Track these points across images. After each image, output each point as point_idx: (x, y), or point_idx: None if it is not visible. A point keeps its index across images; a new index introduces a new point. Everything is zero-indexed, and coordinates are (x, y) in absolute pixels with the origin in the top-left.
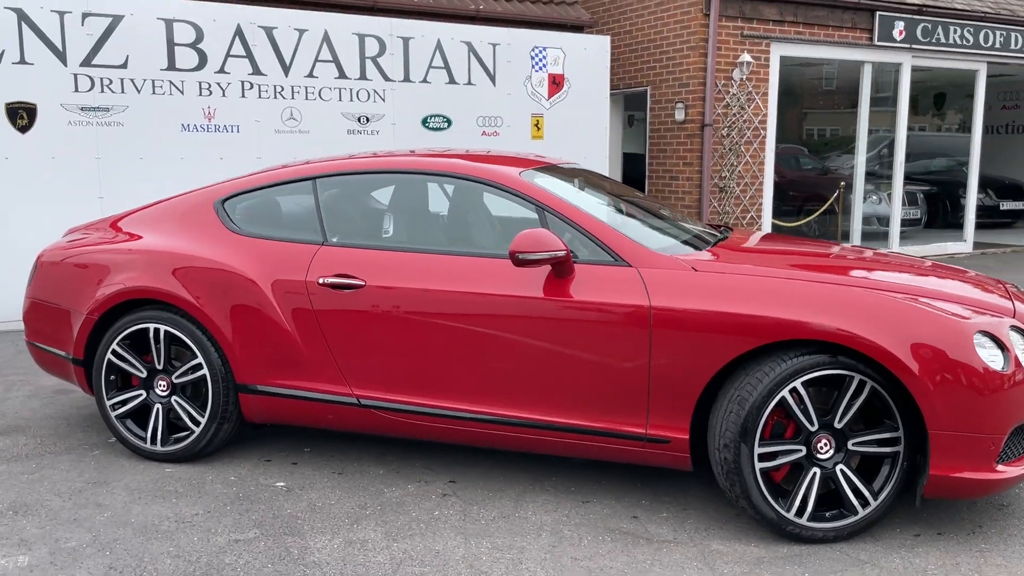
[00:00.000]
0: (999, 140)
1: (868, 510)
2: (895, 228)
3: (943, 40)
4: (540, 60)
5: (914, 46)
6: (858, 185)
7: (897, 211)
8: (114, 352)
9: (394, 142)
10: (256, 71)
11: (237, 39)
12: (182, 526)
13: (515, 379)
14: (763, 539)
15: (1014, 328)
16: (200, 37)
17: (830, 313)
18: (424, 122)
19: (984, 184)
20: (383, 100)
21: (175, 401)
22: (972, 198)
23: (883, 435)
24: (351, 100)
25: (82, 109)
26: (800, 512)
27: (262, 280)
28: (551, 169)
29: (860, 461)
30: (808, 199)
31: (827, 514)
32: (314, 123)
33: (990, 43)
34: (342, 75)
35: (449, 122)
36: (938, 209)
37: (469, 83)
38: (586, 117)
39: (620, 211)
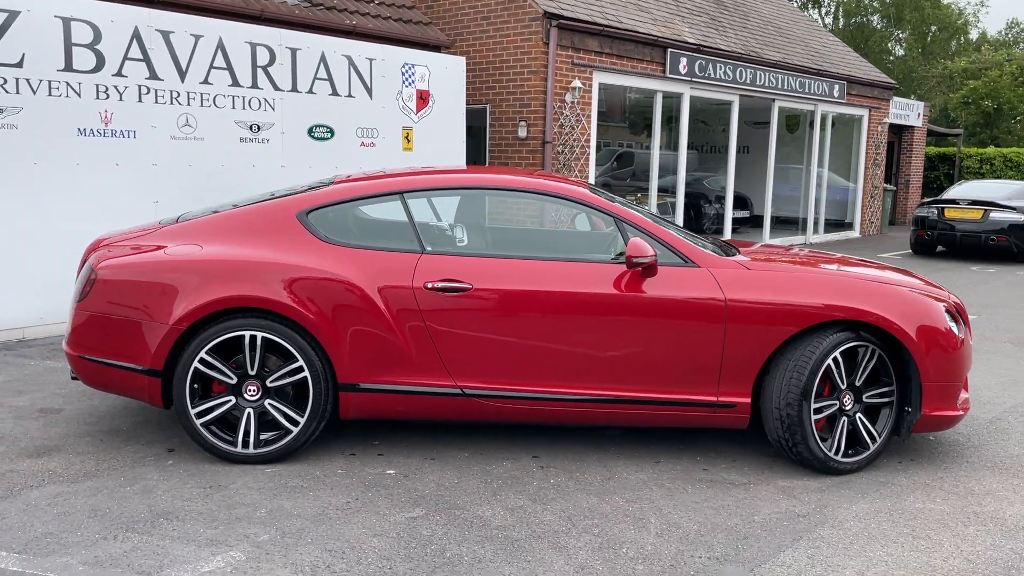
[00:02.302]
0: (717, 158)
1: (876, 446)
2: None
3: (712, 75)
4: (410, 76)
5: (693, 79)
6: (652, 195)
7: (680, 218)
8: (202, 360)
9: (283, 151)
10: (153, 75)
11: (135, 42)
12: (348, 512)
13: (607, 364)
14: (808, 475)
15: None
16: (98, 38)
17: (860, 300)
18: (310, 131)
19: (717, 196)
20: (273, 109)
21: (268, 404)
22: (729, 208)
23: (884, 389)
24: (244, 108)
25: None
26: (836, 452)
27: (368, 286)
28: (593, 188)
29: (864, 410)
30: None
31: (849, 451)
32: (209, 130)
33: (743, 79)
34: (235, 83)
35: (332, 132)
36: (688, 217)
37: (350, 95)
38: (448, 131)
39: (660, 221)
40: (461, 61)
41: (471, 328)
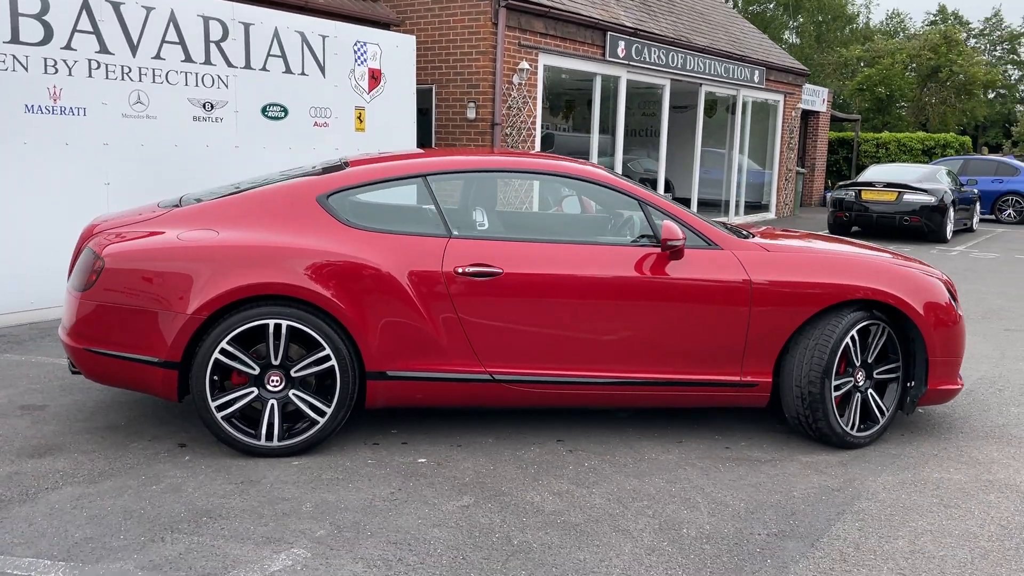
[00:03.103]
0: (640, 141)
1: (884, 420)
2: None
3: (647, 59)
4: (362, 55)
5: (630, 63)
6: None
7: None
8: (223, 351)
9: (237, 130)
10: (103, 49)
11: (84, 13)
12: (396, 503)
13: (635, 346)
14: (824, 450)
15: None
16: (46, 8)
17: (876, 279)
18: (264, 110)
19: (641, 179)
20: (226, 86)
21: (293, 395)
22: (661, 190)
23: (891, 365)
24: (196, 85)
25: None
26: (852, 427)
27: (397, 272)
28: (614, 172)
29: (873, 386)
30: None
31: (862, 426)
32: (161, 108)
33: (675, 64)
34: (188, 58)
35: (286, 112)
36: None
37: (303, 73)
38: (399, 111)
39: (680, 205)
40: (411, 40)
41: (501, 313)
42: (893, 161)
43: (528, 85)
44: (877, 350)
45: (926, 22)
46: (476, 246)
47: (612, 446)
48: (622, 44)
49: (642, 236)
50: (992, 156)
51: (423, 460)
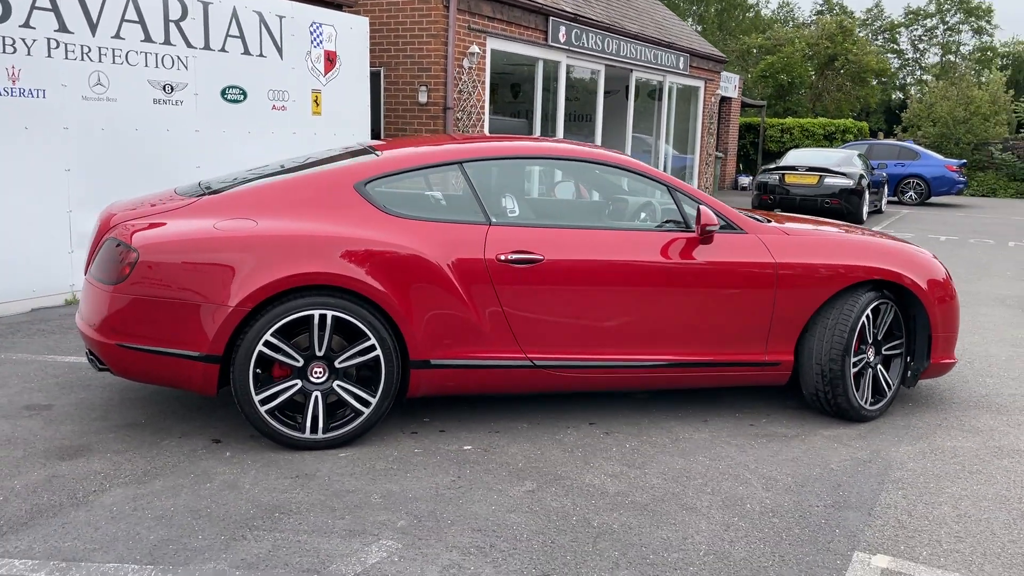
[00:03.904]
0: (576, 126)
1: (891, 393)
2: None
3: (585, 44)
4: (318, 36)
5: (570, 48)
6: None
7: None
8: (267, 343)
9: (197, 114)
10: (63, 28)
11: None
12: (461, 491)
13: (671, 329)
14: (841, 424)
15: None
16: None
17: (887, 260)
18: (223, 93)
19: None
20: (186, 68)
21: (337, 386)
22: None
23: (896, 342)
24: (157, 66)
25: None
26: (866, 402)
27: (441, 260)
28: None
29: (881, 362)
30: None
31: (872, 400)
32: (122, 90)
33: (610, 49)
34: (148, 38)
35: (245, 94)
36: None
37: (261, 55)
38: (354, 95)
39: (704, 191)
40: (365, 22)
41: (541, 299)
42: (797, 146)
43: (477, 69)
44: (885, 328)
45: (813, 12)
46: (516, 233)
47: (644, 427)
48: (563, 29)
49: (667, 221)
50: (894, 141)
51: (468, 447)
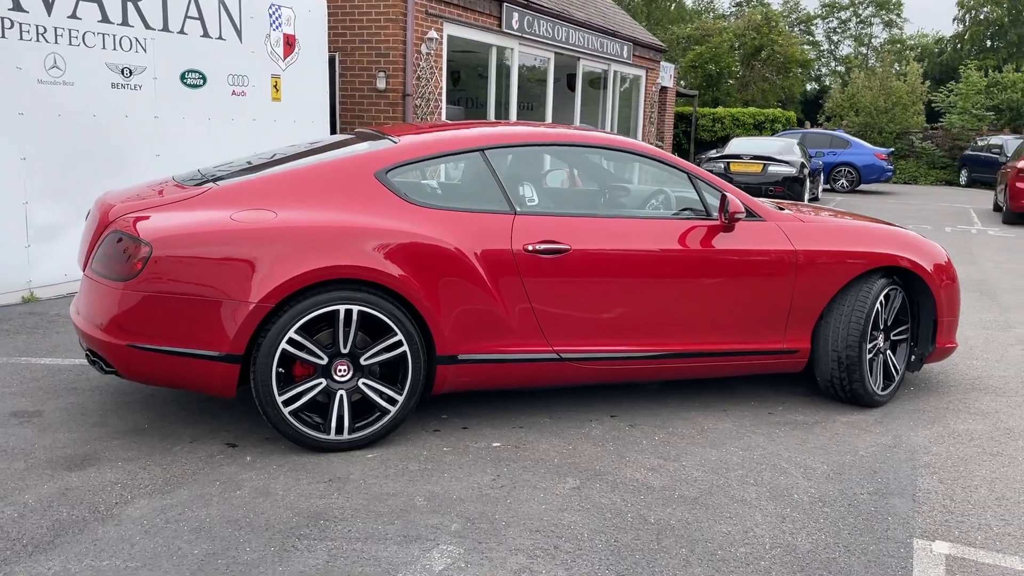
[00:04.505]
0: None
1: (899, 378)
2: None
3: (537, 31)
4: (276, 19)
5: (522, 35)
6: None
7: None
8: (291, 341)
9: (156, 99)
10: (17, 6)
11: None
12: (505, 490)
13: (695, 318)
14: (855, 410)
15: None
16: None
17: (897, 247)
18: (182, 78)
19: None
20: (145, 51)
21: (363, 384)
22: None
23: (903, 327)
24: (114, 48)
25: None
26: (878, 387)
27: (468, 251)
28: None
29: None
30: None
31: (883, 385)
32: (79, 74)
33: (560, 37)
34: (105, 18)
35: (205, 79)
36: None
37: (220, 37)
38: (313, 80)
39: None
40: (322, 4)
41: (567, 290)
42: (728, 135)
43: (435, 55)
44: (894, 313)
45: (733, 2)
46: (541, 222)
47: (666, 418)
48: (516, 15)
49: (684, 209)
50: (826, 130)
51: (497, 444)
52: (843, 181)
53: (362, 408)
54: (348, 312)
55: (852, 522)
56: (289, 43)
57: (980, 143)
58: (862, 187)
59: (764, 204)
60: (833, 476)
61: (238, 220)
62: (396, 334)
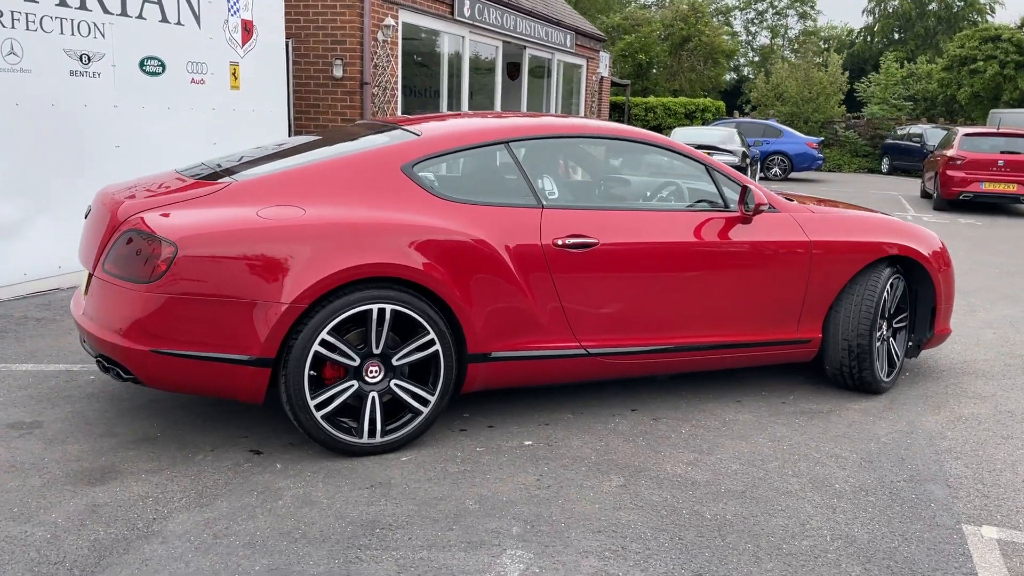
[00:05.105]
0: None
1: (899, 364)
2: None
3: (487, 20)
4: (234, 3)
5: (473, 23)
6: None
7: None
8: (323, 342)
9: (115, 87)
10: None
11: None
12: (552, 490)
13: (716, 310)
14: (865, 398)
15: None
16: None
17: (902, 236)
18: (141, 65)
19: None
20: (103, 36)
21: (395, 385)
22: None
23: (903, 315)
24: (73, 34)
25: None
26: (884, 374)
27: (499, 246)
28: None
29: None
30: None
31: (887, 371)
32: (37, 60)
33: (508, 25)
34: (63, 2)
35: (164, 67)
36: None
37: (179, 23)
38: (271, 68)
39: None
40: None
41: (595, 285)
42: (660, 124)
43: (391, 43)
44: (896, 301)
45: None
46: (569, 216)
47: (685, 411)
48: (468, 3)
49: (699, 201)
50: (759, 119)
51: (529, 442)
52: (776, 169)
53: (392, 410)
54: (381, 311)
55: (899, 510)
56: (247, 29)
57: (900, 132)
58: (794, 175)
59: (777, 196)
60: (865, 464)
61: (266, 217)
62: (428, 333)
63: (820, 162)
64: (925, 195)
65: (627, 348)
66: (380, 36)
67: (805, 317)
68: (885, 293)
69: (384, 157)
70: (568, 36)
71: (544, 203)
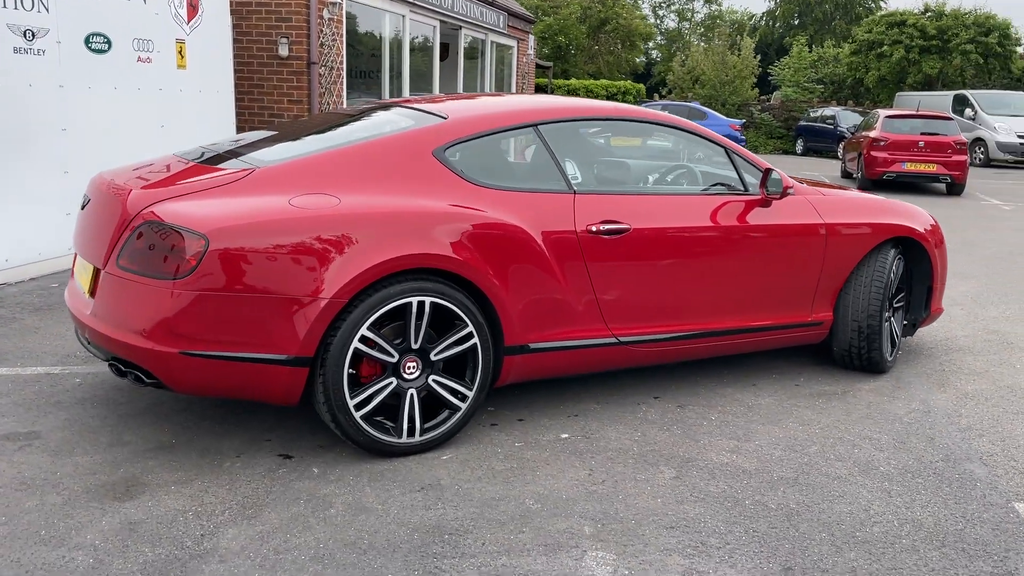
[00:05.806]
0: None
1: (899, 344)
2: None
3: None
4: None
5: (413, 3)
6: None
7: None
8: (363, 339)
9: (60, 66)
10: None
11: None
12: (607, 485)
13: (741, 295)
14: (872, 378)
15: None
16: None
17: (904, 217)
18: (87, 41)
19: None
20: (47, 11)
21: (433, 381)
22: None
23: (902, 295)
24: (16, 7)
25: None
26: (888, 354)
27: (535, 233)
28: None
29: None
30: None
31: (890, 351)
32: None
33: (446, 5)
34: None
35: (110, 44)
36: None
37: None
38: (217, 46)
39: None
40: None
41: (627, 272)
42: None
43: (336, 21)
44: (898, 281)
45: None
46: (601, 201)
47: (705, 396)
48: None
49: (715, 184)
50: (682, 102)
51: (566, 435)
52: None
53: (431, 406)
54: (420, 304)
55: (950, 491)
56: (192, 5)
57: (813, 114)
58: None
59: (790, 178)
60: (899, 446)
61: (300, 207)
62: (467, 325)
63: (743, 144)
64: (846, 175)
65: (656, 335)
66: (326, 14)
67: (818, 300)
68: (891, 273)
69: (414, 141)
70: (501, 17)
71: (574, 189)
